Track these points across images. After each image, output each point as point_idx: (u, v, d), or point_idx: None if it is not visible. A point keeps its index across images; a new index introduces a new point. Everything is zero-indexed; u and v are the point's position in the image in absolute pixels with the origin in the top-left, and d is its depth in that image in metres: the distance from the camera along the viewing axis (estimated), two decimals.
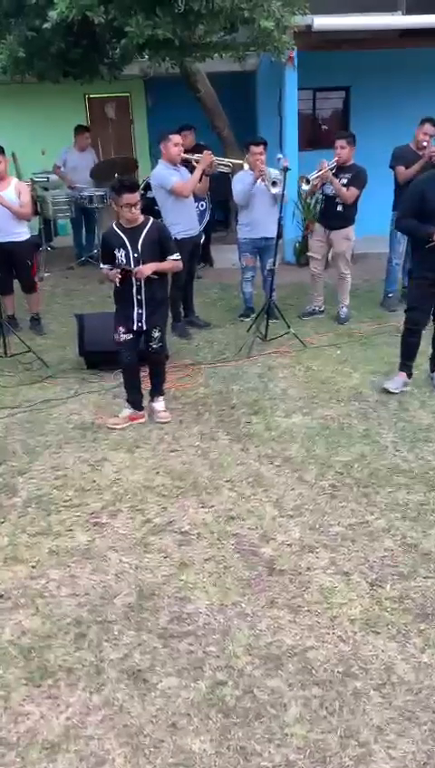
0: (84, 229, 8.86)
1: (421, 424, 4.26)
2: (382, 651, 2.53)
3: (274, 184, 5.69)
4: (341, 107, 10.34)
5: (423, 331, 4.69)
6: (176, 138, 5.44)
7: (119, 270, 4.10)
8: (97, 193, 8.29)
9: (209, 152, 5.69)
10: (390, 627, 2.64)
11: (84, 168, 8.48)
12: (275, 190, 5.71)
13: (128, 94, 10.39)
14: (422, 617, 2.69)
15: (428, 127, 6.19)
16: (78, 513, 3.38)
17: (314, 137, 9.94)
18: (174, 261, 4.32)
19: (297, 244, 8.57)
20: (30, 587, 2.88)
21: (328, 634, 2.61)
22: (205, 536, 3.19)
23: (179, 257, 4.37)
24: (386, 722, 2.25)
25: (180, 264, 4.46)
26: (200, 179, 5.59)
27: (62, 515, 3.37)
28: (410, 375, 4.78)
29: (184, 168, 5.65)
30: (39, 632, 2.64)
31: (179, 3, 6.63)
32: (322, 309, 6.45)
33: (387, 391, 4.64)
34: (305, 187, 5.84)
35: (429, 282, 4.48)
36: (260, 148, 5.75)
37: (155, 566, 2.99)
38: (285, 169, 5.46)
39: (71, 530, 3.25)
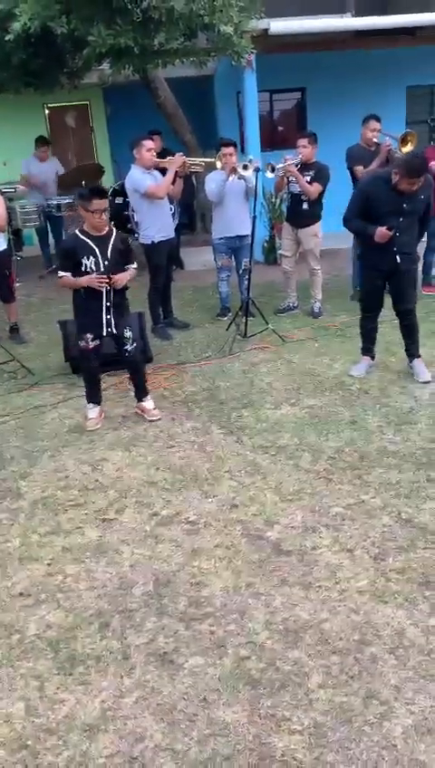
0: (51, 238, 8.89)
1: (403, 408, 4.44)
2: (392, 618, 2.68)
3: (244, 167, 5.81)
4: (297, 108, 10.58)
5: (395, 321, 4.92)
6: (149, 143, 5.55)
7: (96, 276, 4.12)
8: (63, 201, 8.35)
9: (181, 154, 5.82)
10: (396, 596, 2.80)
11: (48, 177, 8.53)
12: (247, 173, 5.82)
13: (87, 102, 10.48)
14: (425, 585, 2.85)
15: (373, 123, 6.43)
16: (85, 512, 3.47)
17: (273, 138, 10.16)
18: (134, 269, 4.38)
19: (265, 244, 8.75)
20: (48, 583, 2.96)
21: (340, 606, 2.76)
22: (211, 524, 3.31)
23: (136, 266, 4.42)
24: (403, 681, 2.40)
25: (135, 273, 4.44)
26: (174, 181, 5.71)
27: (70, 514, 3.45)
28: (372, 357, 5.07)
29: (157, 172, 5.77)
30: (63, 625, 2.72)
31: (138, 11, 6.78)
32: (296, 305, 6.64)
33: (352, 376, 4.90)
34: (270, 174, 5.95)
35: (376, 273, 4.74)
36: (230, 149, 5.90)
37: (167, 555, 3.10)
38: (256, 170, 5.62)
39: (80, 527, 3.34)
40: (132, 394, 4.67)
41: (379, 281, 4.76)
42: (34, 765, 2.16)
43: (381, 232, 4.41)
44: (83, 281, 4.14)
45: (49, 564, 3.09)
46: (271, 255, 8.75)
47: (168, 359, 5.53)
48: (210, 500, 3.51)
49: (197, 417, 4.46)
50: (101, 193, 4.13)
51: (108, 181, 9.61)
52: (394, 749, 2.15)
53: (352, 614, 2.71)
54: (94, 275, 4.15)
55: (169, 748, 2.20)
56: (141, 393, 4.54)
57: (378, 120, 6.37)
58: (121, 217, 8.93)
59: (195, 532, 3.25)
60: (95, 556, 3.12)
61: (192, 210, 10.06)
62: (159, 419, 4.43)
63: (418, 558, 3.02)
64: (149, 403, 4.54)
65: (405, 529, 3.22)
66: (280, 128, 10.67)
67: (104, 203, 4.10)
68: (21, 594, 2.91)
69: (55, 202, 8.31)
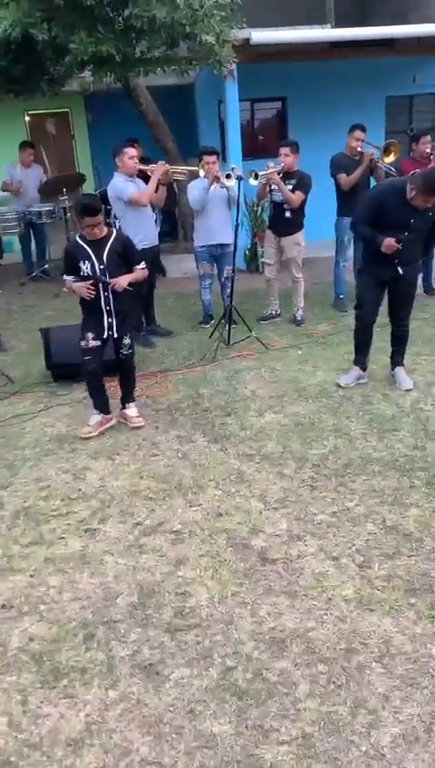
0: (34, 245, 8.84)
1: (386, 415, 4.46)
2: (379, 626, 2.68)
3: (227, 176, 5.83)
4: (278, 117, 10.64)
5: (378, 328, 4.93)
6: (131, 151, 5.54)
7: (89, 282, 4.15)
8: (45, 208, 8.30)
9: (163, 162, 5.82)
10: (382, 603, 2.79)
11: (31, 183, 8.48)
12: (230, 182, 5.83)
13: (68, 110, 10.45)
14: (411, 592, 2.85)
15: (358, 133, 6.49)
16: (68, 522, 3.42)
17: (254, 147, 10.19)
18: (142, 270, 4.43)
19: (247, 252, 8.77)
20: (31, 595, 2.92)
21: (326, 615, 2.75)
22: (196, 533, 3.28)
23: (145, 266, 4.48)
24: (390, 689, 2.39)
25: (147, 273, 4.58)
26: (157, 189, 5.70)
27: (52, 524, 3.41)
28: (364, 368, 5.00)
29: (139, 180, 5.75)
30: (47, 637, 2.68)
31: (119, 20, 6.79)
32: (278, 312, 6.65)
33: (339, 385, 4.88)
34: (254, 182, 5.96)
35: (376, 279, 4.69)
36: (213, 158, 5.90)
37: (152, 565, 3.07)
38: (239, 179, 5.63)
39: (63, 538, 3.30)
40: (114, 402, 4.63)
41: (377, 292, 4.71)
42: None
43: (390, 243, 4.39)
44: (75, 287, 4.21)
45: (31, 576, 3.04)
46: (253, 263, 8.78)
47: (151, 366, 5.51)
48: (195, 509, 3.49)
49: (180, 425, 4.43)
50: (90, 212, 4.13)
51: (89, 189, 9.58)
52: (383, 758, 2.14)
53: (338, 623, 2.70)
54: (83, 284, 4.18)
55: (155, 762, 2.17)
56: (128, 399, 4.52)
57: (363, 129, 6.42)
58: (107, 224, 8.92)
59: (180, 542, 3.23)
60: (78, 567, 3.08)
61: (174, 218, 10.06)
62: (142, 426, 4.40)
63: (403, 565, 3.02)
64: (132, 410, 4.51)
65: (390, 536, 3.22)
66: (261, 137, 10.71)
67: (95, 219, 4.12)
68: (3, 606, 2.86)
69: (37, 209, 8.26)
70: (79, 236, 4.31)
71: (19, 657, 2.59)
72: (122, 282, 4.22)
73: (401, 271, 4.55)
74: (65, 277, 4.32)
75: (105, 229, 4.26)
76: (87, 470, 3.92)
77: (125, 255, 4.32)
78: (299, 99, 10.08)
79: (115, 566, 3.07)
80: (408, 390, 4.76)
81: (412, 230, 4.44)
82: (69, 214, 8.39)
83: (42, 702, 2.40)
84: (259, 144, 10.42)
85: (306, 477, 3.75)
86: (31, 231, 8.60)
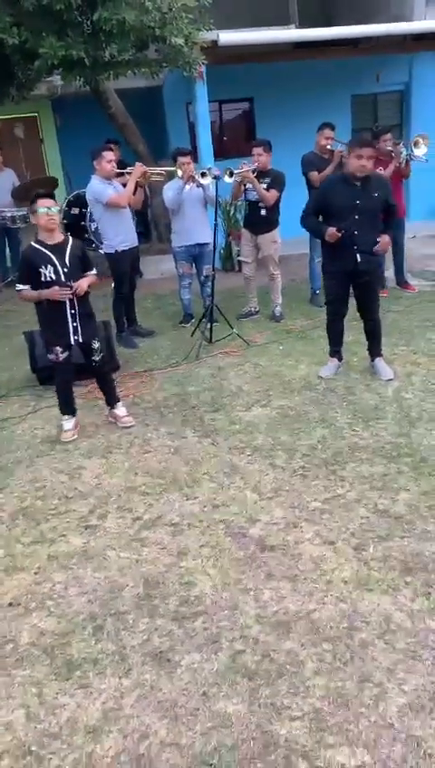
0: (8, 250, 8.82)
1: (369, 405, 4.58)
2: (378, 605, 2.78)
3: (203, 175, 5.91)
4: (246, 117, 10.76)
5: (355, 321, 5.06)
6: (109, 154, 5.59)
7: (66, 287, 4.10)
8: (19, 213, 8.29)
9: (141, 163, 5.88)
10: (380, 583, 2.90)
11: (3, 188, 8.46)
12: (205, 181, 5.92)
13: (36, 114, 10.42)
14: (406, 571, 2.96)
15: (328, 131, 6.63)
16: (67, 520, 3.47)
17: (223, 147, 10.30)
18: (95, 275, 4.40)
19: (222, 251, 8.86)
20: (37, 592, 2.96)
21: (327, 596, 2.84)
22: (195, 525, 3.35)
23: (96, 272, 4.43)
24: (394, 663, 2.49)
25: (96, 279, 4.45)
26: (135, 191, 5.75)
27: (52, 523, 3.45)
28: (340, 359, 5.17)
29: (116, 182, 5.81)
30: (56, 631, 2.73)
31: (88, 23, 6.83)
32: (257, 309, 6.75)
33: (320, 377, 5.02)
34: (229, 179, 6.05)
35: (339, 275, 4.80)
36: (187, 158, 5.98)
37: (154, 558, 3.13)
38: (216, 178, 5.72)
39: (64, 535, 3.34)
40: (102, 402, 4.69)
41: (342, 285, 4.83)
42: None
43: (331, 232, 4.52)
44: (46, 293, 4.10)
45: (36, 573, 3.08)
46: (228, 262, 8.87)
47: (135, 366, 5.56)
48: (191, 502, 3.56)
49: (170, 423, 4.50)
50: (44, 195, 4.12)
51: (61, 192, 9.57)
52: (392, 727, 2.24)
53: (339, 603, 2.80)
54: (57, 288, 4.09)
55: (174, 743, 2.23)
56: (112, 400, 4.56)
57: (332, 128, 6.56)
58: (78, 228, 8.94)
59: (179, 534, 3.30)
60: (82, 562, 3.13)
61: (146, 220, 10.11)
62: (133, 426, 4.46)
63: (397, 546, 3.13)
64: (121, 410, 4.56)
65: (382, 519, 3.33)
66: (230, 137, 10.82)
67: (48, 201, 4.09)
68: (10, 604, 2.90)
69: (10, 214, 8.25)
70: (35, 242, 4.21)
71: (31, 651, 2.64)
72: (84, 285, 4.19)
73: (359, 258, 4.62)
74: (20, 287, 4.17)
75: (61, 234, 4.25)
76: (82, 469, 3.96)
77: (83, 260, 4.31)
78: (266, 99, 10.23)
79: (118, 560, 3.13)
80: (389, 380, 4.89)
81: (361, 212, 4.53)
82: None
83: (57, 693, 2.45)
84: (228, 144, 10.53)
85: (297, 467, 3.85)
86: (5, 237, 8.58)
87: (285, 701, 2.36)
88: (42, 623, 2.78)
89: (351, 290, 4.89)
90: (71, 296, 4.15)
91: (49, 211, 4.07)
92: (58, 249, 4.17)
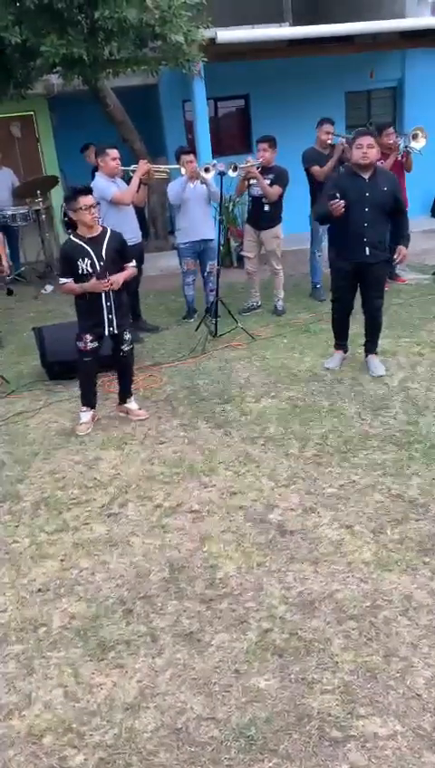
0: (8, 248, 8.83)
1: (377, 394, 4.67)
2: (399, 584, 2.86)
3: (206, 170, 5.98)
4: (241, 114, 10.82)
5: (358, 316, 5.13)
6: (114, 152, 5.65)
7: (105, 280, 4.20)
8: (19, 211, 8.32)
9: (145, 161, 5.94)
10: (399, 563, 2.98)
11: (2, 186, 8.49)
12: (208, 175, 5.99)
13: (32, 113, 10.42)
14: (424, 552, 3.05)
15: (327, 126, 6.72)
16: (89, 508, 3.53)
17: (220, 144, 10.35)
18: (133, 268, 4.55)
19: (221, 247, 8.90)
20: (65, 578, 3.02)
21: (348, 577, 2.92)
22: (214, 512, 3.43)
23: (135, 264, 4.60)
24: (418, 639, 2.58)
25: (136, 271, 4.70)
26: (138, 189, 5.81)
27: (74, 512, 3.52)
28: (345, 351, 5.25)
29: (120, 180, 5.86)
30: (87, 615, 2.80)
31: (87, 22, 6.88)
32: (259, 304, 6.83)
33: (327, 368, 5.10)
34: (233, 173, 6.10)
35: (345, 271, 4.85)
36: (190, 156, 6.05)
37: (177, 543, 3.20)
38: (221, 173, 5.79)
39: (87, 523, 3.41)
40: (113, 396, 4.75)
41: (350, 281, 4.87)
42: (84, 745, 2.24)
43: (334, 204, 4.51)
44: (87, 286, 4.22)
45: (62, 560, 3.15)
46: (227, 258, 8.93)
47: (143, 360, 5.62)
48: (209, 489, 3.63)
49: (182, 414, 4.57)
50: (84, 191, 4.23)
51: (58, 190, 9.60)
52: (419, 698, 2.33)
53: (361, 583, 2.88)
54: (96, 281, 4.20)
55: (210, 717, 2.31)
56: (126, 394, 4.62)
57: (332, 123, 6.65)
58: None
59: (200, 520, 3.37)
60: (107, 549, 3.20)
61: (143, 217, 10.15)
62: (146, 418, 4.52)
63: (412, 529, 3.21)
64: (134, 404, 4.62)
65: (397, 503, 3.42)
66: (226, 134, 10.88)
67: (90, 199, 4.20)
68: (39, 590, 2.96)
69: (11, 212, 8.27)
70: (73, 236, 4.36)
71: (64, 634, 2.70)
72: (120, 280, 4.31)
73: (368, 251, 4.66)
74: (63, 280, 4.31)
75: (99, 227, 4.35)
76: (99, 460, 4.03)
77: (121, 253, 4.42)
78: (261, 96, 10.28)
79: (142, 545, 3.20)
80: (380, 376, 4.92)
81: (370, 205, 4.57)
82: (43, 216, 8.42)
83: (93, 673, 2.52)
84: (225, 141, 10.58)
85: (310, 455, 3.93)
86: (4, 235, 8.60)
87: (315, 676, 2.44)
88: (72, 608, 2.84)
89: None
90: (107, 288, 4.24)
91: (91, 211, 4.19)
92: (95, 243, 4.27)
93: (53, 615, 2.81)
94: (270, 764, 2.13)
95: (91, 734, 2.28)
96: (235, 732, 2.25)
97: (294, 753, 2.16)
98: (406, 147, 6.60)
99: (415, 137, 6.43)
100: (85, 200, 4.17)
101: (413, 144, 6.56)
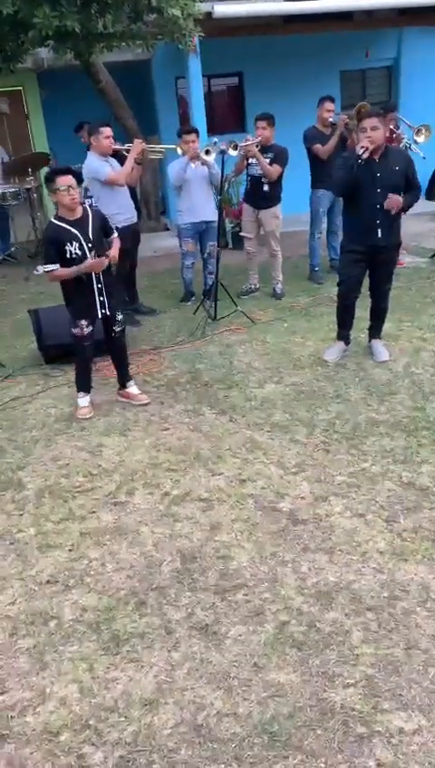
0: None
1: (382, 380, 4.61)
2: (415, 574, 2.82)
3: (207, 152, 5.85)
4: (235, 92, 10.63)
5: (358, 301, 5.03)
6: (107, 130, 5.49)
7: (102, 258, 4.10)
8: (10, 190, 8.12)
9: (140, 140, 5.78)
10: (414, 553, 2.94)
11: None
12: (210, 158, 5.86)
13: (20, 88, 10.16)
14: None
15: (328, 104, 6.59)
16: (95, 497, 3.45)
17: (213, 122, 10.17)
18: (116, 238, 4.44)
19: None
20: (74, 568, 2.95)
21: (364, 567, 2.87)
22: (224, 500, 3.36)
23: (117, 234, 4.48)
24: None
25: (118, 241, 4.51)
26: (132, 168, 5.66)
27: (80, 500, 3.43)
28: (347, 342, 5.09)
29: (113, 159, 5.70)
30: (99, 607, 2.72)
31: None
32: (257, 287, 6.73)
33: (326, 361, 4.94)
34: (233, 152, 5.98)
35: (356, 254, 4.70)
36: (192, 136, 5.91)
37: (188, 532, 3.13)
38: (223, 152, 5.66)
39: (94, 512, 3.32)
40: (113, 381, 4.65)
41: (359, 265, 4.73)
42: (102, 742, 2.17)
43: (362, 146, 4.31)
44: (84, 268, 4.08)
45: (70, 550, 3.07)
46: (222, 239, 8.78)
47: (141, 344, 5.52)
48: (217, 477, 3.56)
49: (185, 400, 4.48)
50: (63, 171, 4.07)
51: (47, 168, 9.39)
52: None
53: (377, 573, 2.83)
54: (95, 260, 4.07)
55: (231, 712, 2.25)
56: (125, 378, 4.53)
57: (332, 100, 6.52)
58: None
59: (210, 509, 3.30)
60: (115, 538, 3.12)
61: (136, 197, 9.96)
62: (148, 403, 4.43)
63: (426, 518, 3.17)
64: (134, 388, 4.53)
65: (408, 491, 3.37)
66: (219, 112, 10.69)
67: (69, 179, 4.03)
68: (48, 582, 2.88)
69: (1, 191, 8.07)
70: (55, 218, 4.16)
71: (76, 627, 2.63)
72: (116, 254, 4.24)
73: (380, 233, 4.53)
74: (50, 267, 4.09)
75: (80, 208, 4.19)
76: (102, 447, 3.94)
77: (104, 229, 4.32)
78: (256, 73, 10.11)
79: (152, 535, 3.13)
80: (384, 361, 4.85)
81: (382, 186, 4.43)
82: (35, 195, 8.23)
83: (108, 668, 2.45)
84: (218, 119, 10.40)
85: (318, 442, 3.86)
86: None
87: (336, 669, 2.39)
88: (83, 600, 2.77)
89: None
90: (106, 264, 4.15)
91: (70, 191, 4.01)
92: (81, 224, 4.12)
93: (63, 607, 2.74)
94: (295, 761, 2.08)
95: (109, 731, 2.22)
96: (257, 728, 2.19)
97: (319, 749, 2.11)
98: (408, 144, 6.42)
99: (418, 132, 6.24)
100: (64, 179, 3.99)
101: (417, 139, 6.38)
